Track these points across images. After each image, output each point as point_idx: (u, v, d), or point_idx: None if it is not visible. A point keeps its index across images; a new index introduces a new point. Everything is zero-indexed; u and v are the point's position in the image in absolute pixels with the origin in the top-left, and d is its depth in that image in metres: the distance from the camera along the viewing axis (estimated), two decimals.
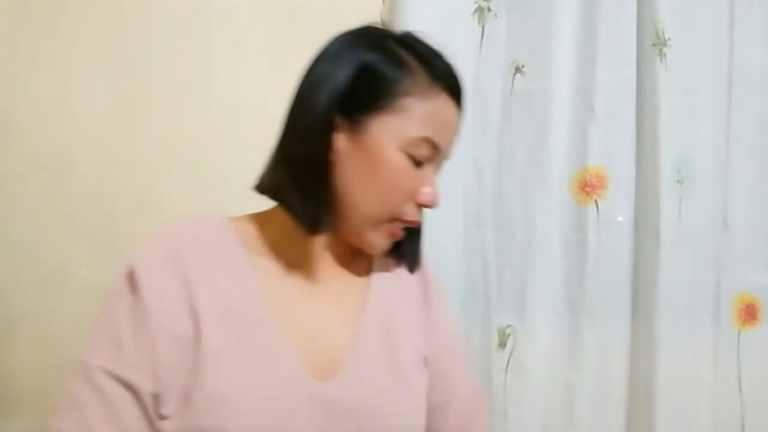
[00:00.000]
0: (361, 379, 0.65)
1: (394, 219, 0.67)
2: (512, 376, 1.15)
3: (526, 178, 1.15)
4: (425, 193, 0.67)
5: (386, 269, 0.75)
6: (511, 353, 1.15)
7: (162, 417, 0.60)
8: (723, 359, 1.23)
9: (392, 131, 0.64)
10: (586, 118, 1.14)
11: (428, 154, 0.65)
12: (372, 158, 0.64)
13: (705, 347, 1.22)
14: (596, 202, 1.15)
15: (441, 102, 0.65)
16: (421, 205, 0.67)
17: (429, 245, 0.77)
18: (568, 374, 1.16)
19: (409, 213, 0.67)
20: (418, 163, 0.65)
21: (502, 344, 1.16)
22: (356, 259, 0.73)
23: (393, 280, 0.75)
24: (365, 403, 0.64)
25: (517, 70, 1.16)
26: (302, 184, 0.65)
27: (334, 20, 1.13)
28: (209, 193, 1.09)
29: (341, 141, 0.64)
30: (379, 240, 0.68)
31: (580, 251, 1.15)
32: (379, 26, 0.71)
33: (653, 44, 1.15)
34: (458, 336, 0.82)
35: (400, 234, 0.68)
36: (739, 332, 1.24)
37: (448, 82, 0.66)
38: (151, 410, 0.60)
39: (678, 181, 1.18)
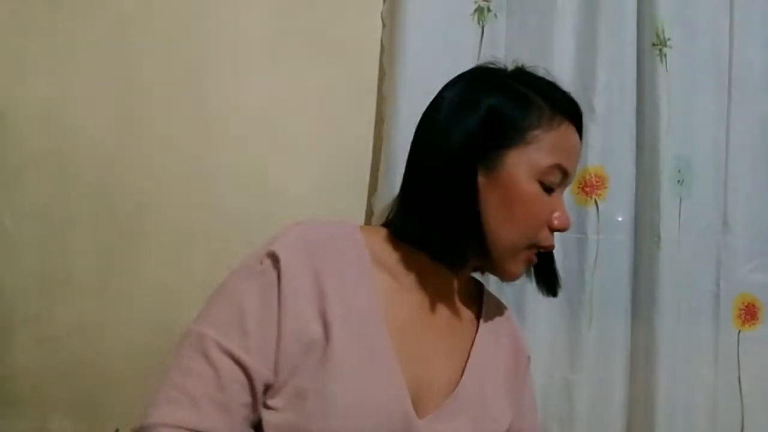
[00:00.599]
0: (453, 424, 0.67)
1: (531, 246, 0.71)
2: None
3: None
4: (557, 217, 0.70)
5: (492, 320, 0.79)
6: None
7: (268, 407, 0.60)
8: (723, 359, 1.23)
9: (525, 164, 0.68)
10: (586, 118, 1.14)
11: (558, 180, 0.70)
12: (509, 191, 0.68)
13: (705, 347, 1.22)
14: (596, 202, 1.15)
15: (564, 130, 0.70)
16: (554, 230, 0.71)
17: None
18: (568, 374, 1.16)
19: (545, 238, 0.71)
20: (549, 190, 0.69)
21: None
22: (470, 300, 0.78)
23: (495, 335, 0.78)
24: None
25: None
26: (452, 227, 0.68)
27: (335, 20, 1.15)
28: (209, 193, 1.09)
29: (479, 180, 0.68)
30: (517, 267, 0.71)
31: (580, 251, 1.15)
32: (490, 65, 0.75)
33: (653, 44, 1.15)
34: (536, 415, 0.87)
35: (534, 259, 0.72)
36: (739, 332, 1.24)
37: (570, 111, 0.72)
38: (260, 398, 0.60)
39: (678, 181, 1.18)
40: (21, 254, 1.05)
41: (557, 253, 1.16)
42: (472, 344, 0.74)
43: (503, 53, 1.16)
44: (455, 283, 0.75)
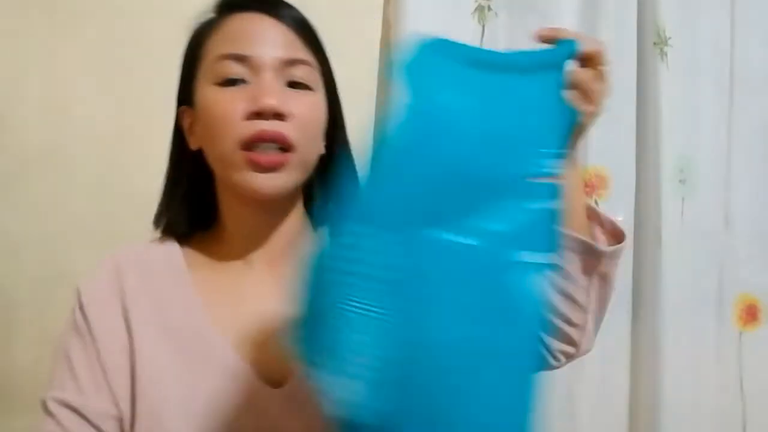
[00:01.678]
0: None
1: (243, 146, 0.60)
2: None
3: None
4: (252, 99, 0.60)
5: None
6: None
7: None
8: (724, 360, 1.23)
9: (203, 79, 0.64)
10: None
11: (239, 69, 0.62)
12: (201, 113, 0.64)
13: (707, 348, 1.22)
14: (596, 201, 1.15)
15: (229, 21, 0.64)
16: (254, 115, 0.60)
17: None
18: (568, 374, 1.16)
19: (247, 129, 0.60)
20: (233, 82, 0.62)
21: None
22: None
23: None
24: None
25: None
26: (169, 192, 0.68)
27: (335, 20, 1.14)
28: None
29: (187, 126, 0.67)
30: (249, 177, 0.61)
31: None
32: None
33: (654, 43, 1.15)
34: None
35: (264, 159, 0.60)
36: (741, 333, 1.24)
37: (234, 2, 0.65)
38: None
39: (680, 180, 1.18)
40: (21, 254, 1.05)
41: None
42: None
43: None
44: (280, 244, 0.68)
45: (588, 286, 0.65)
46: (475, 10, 1.15)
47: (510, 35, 1.16)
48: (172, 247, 0.68)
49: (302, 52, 0.64)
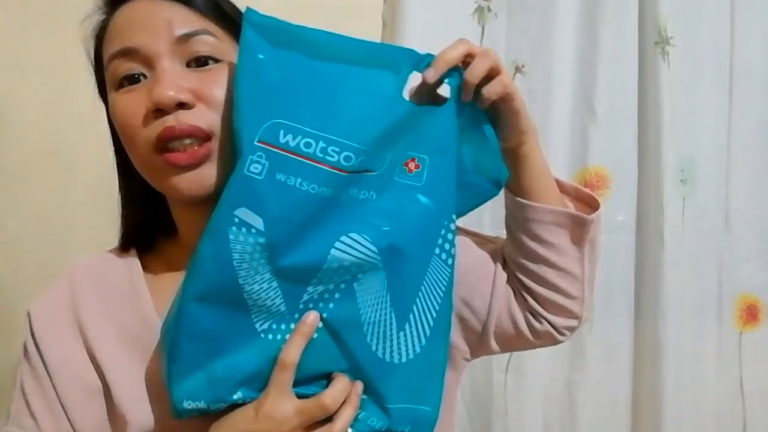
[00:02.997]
0: None
1: (156, 148, 0.54)
2: (513, 376, 1.14)
3: None
4: (150, 95, 0.54)
5: None
6: (511, 354, 1.15)
7: None
8: (725, 360, 1.23)
9: (108, 85, 0.58)
10: (586, 118, 1.14)
11: (129, 67, 0.55)
12: (116, 123, 0.58)
13: (707, 348, 1.22)
14: None
15: (117, 17, 0.57)
16: (157, 109, 0.53)
17: None
18: (569, 374, 1.16)
19: (152, 129, 0.54)
20: (131, 80, 0.55)
21: None
22: None
23: None
24: None
25: (518, 70, 1.16)
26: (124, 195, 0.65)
27: (335, 20, 1.14)
28: None
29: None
30: (173, 181, 0.55)
31: None
32: None
33: (655, 42, 1.15)
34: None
35: (181, 157, 0.54)
36: (741, 333, 1.24)
37: None
38: None
39: (681, 180, 1.18)
40: (21, 254, 1.05)
41: None
42: None
43: (503, 53, 1.16)
44: None
45: (580, 256, 0.64)
46: (475, 10, 1.15)
47: (510, 36, 1.16)
48: (131, 259, 0.63)
49: (196, 23, 0.56)
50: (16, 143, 1.05)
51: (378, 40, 1.16)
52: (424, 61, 0.54)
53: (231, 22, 0.59)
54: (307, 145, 0.50)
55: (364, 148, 0.51)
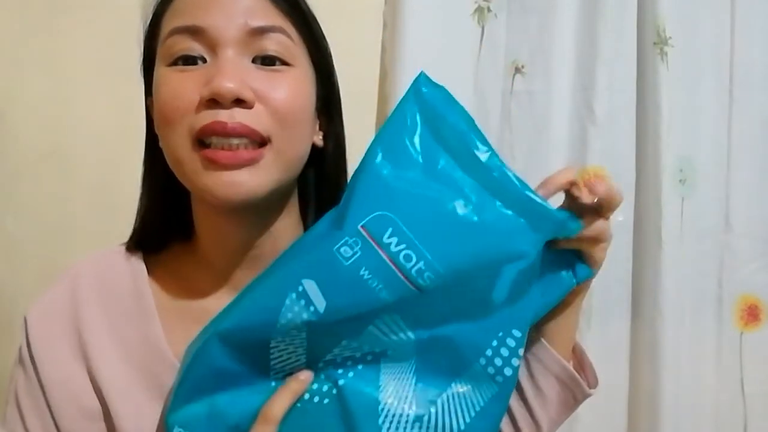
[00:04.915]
0: None
1: (197, 139, 0.50)
2: None
3: (525, 178, 1.14)
4: (207, 84, 0.49)
5: None
6: None
7: None
8: (725, 361, 1.23)
9: (157, 61, 0.54)
10: (586, 118, 1.14)
11: (190, 44, 0.51)
12: (154, 103, 0.53)
13: (707, 349, 1.22)
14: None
15: None
16: (214, 102, 0.49)
17: None
18: None
19: (200, 118, 0.49)
20: (188, 61, 0.51)
21: None
22: None
23: None
24: None
25: (517, 70, 1.16)
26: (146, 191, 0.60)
27: (335, 20, 1.14)
28: None
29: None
30: (206, 179, 0.49)
31: None
32: None
33: (654, 43, 1.14)
34: None
35: (223, 155, 0.49)
36: (741, 334, 1.24)
37: None
38: None
39: (680, 180, 1.18)
40: (21, 254, 1.05)
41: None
42: None
43: (503, 53, 1.16)
44: (266, 260, 0.53)
45: (557, 419, 0.61)
46: (475, 11, 1.15)
47: (509, 36, 1.16)
48: (138, 266, 0.58)
49: (274, 18, 0.52)
50: (16, 143, 1.05)
51: (378, 40, 1.16)
52: (567, 227, 0.50)
53: (307, 24, 0.56)
54: (407, 258, 0.45)
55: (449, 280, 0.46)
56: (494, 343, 0.49)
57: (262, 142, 0.50)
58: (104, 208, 1.07)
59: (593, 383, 0.61)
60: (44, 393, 0.55)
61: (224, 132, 0.48)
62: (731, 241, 1.22)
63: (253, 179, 0.50)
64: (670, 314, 1.14)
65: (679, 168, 1.18)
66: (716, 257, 1.22)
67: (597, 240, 0.51)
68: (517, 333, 0.50)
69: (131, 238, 0.61)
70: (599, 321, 1.15)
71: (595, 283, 1.12)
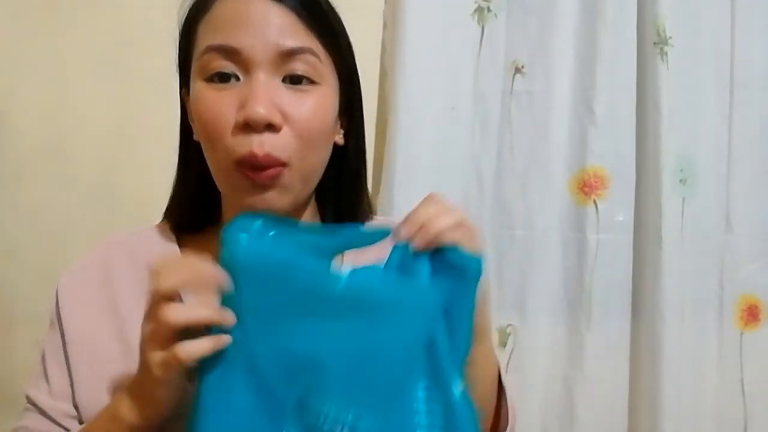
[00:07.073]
0: None
1: (235, 162, 0.54)
2: (512, 375, 1.14)
3: (525, 178, 1.15)
4: (241, 108, 0.54)
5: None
6: (511, 352, 1.15)
7: None
8: (725, 361, 1.23)
9: (193, 75, 0.57)
10: (586, 118, 1.14)
11: (225, 63, 0.55)
12: (193, 109, 0.58)
13: (707, 348, 1.22)
14: (595, 202, 1.15)
15: (213, 10, 0.57)
16: (244, 125, 0.54)
17: None
18: (568, 373, 1.16)
19: (237, 145, 0.54)
20: (223, 78, 0.55)
21: (503, 343, 1.16)
22: None
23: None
24: None
25: (517, 70, 1.16)
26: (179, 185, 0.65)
27: None
28: None
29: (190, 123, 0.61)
30: (242, 195, 0.56)
31: (579, 251, 1.14)
32: None
33: (654, 43, 1.15)
34: None
35: (258, 177, 0.54)
36: (742, 334, 1.24)
37: None
38: None
39: (680, 180, 1.18)
40: (21, 254, 1.06)
41: (556, 253, 1.18)
42: None
43: (503, 53, 1.16)
44: None
45: None
46: (475, 11, 1.15)
47: (509, 36, 1.16)
48: (170, 240, 0.64)
49: (304, 38, 0.56)
50: (16, 143, 1.05)
51: (378, 40, 1.16)
52: (380, 232, 0.52)
53: (335, 41, 0.59)
54: None
55: None
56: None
57: (282, 165, 0.55)
58: (104, 208, 1.07)
59: (504, 425, 0.65)
60: (65, 348, 0.59)
61: (256, 163, 0.54)
62: (731, 241, 1.22)
63: (281, 198, 0.56)
64: (670, 314, 1.14)
65: (680, 168, 1.18)
66: (716, 257, 1.22)
67: (430, 226, 0.49)
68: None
69: (164, 216, 0.66)
70: (599, 321, 1.15)
71: (595, 283, 1.14)
